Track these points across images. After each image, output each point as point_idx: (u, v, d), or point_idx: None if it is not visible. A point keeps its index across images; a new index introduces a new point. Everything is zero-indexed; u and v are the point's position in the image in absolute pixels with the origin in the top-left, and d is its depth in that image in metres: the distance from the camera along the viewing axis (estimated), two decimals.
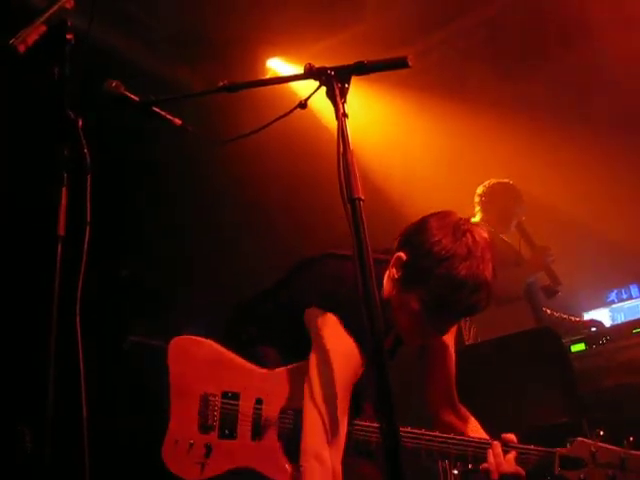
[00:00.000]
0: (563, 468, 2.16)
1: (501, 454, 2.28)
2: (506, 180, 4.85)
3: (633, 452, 2.12)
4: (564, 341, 3.91)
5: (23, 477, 3.40)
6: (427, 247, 2.18)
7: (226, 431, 2.42)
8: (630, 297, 4.78)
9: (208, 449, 2.39)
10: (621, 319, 4.57)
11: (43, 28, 1.77)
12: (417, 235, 2.25)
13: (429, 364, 2.72)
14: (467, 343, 4.52)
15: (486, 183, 4.88)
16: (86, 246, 1.96)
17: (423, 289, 2.19)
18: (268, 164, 5.15)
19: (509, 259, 4.75)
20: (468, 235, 2.20)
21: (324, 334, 2.22)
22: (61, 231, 1.90)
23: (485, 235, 2.22)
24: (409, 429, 2.36)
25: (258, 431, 2.40)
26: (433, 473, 3.71)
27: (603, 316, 4.67)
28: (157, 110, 2.38)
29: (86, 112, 2.05)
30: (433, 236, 2.20)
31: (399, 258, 2.27)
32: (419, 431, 2.37)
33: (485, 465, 2.29)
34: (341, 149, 1.86)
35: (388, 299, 2.32)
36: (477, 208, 4.89)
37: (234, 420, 2.43)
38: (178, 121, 2.44)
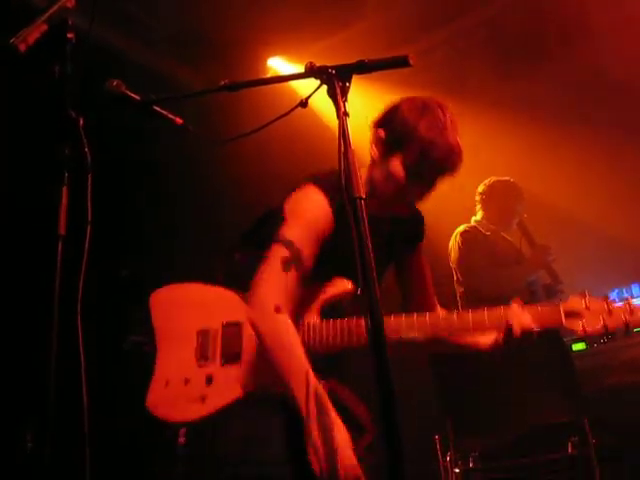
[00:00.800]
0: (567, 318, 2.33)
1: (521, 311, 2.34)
2: (507, 178, 4.85)
3: (613, 302, 2.38)
4: (565, 340, 3.90)
5: (23, 477, 3.40)
6: (403, 122, 2.35)
7: (230, 357, 2.30)
8: (631, 296, 4.76)
9: (209, 379, 2.28)
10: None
11: (44, 27, 1.77)
12: (392, 115, 2.40)
13: (408, 281, 2.72)
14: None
15: (487, 181, 4.89)
16: (87, 245, 1.96)
17: (404, 154, 2.34)
18: (269, 164, 5.14)
19: (510, 257, 4.76)
20: (437, 109, 2.36)
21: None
22: (62, 230, 1.90)
23: (450, 109, 2.39)
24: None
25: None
26: (435, 471, 3.72)
27: None
28: (158, 109, 2.38)
29: (87, 111, 2.05)
30: (407, 111, 2.36)
31: (378, 136, 2.41)
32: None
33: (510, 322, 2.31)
34: (342, 148, 1.86)
35: (372, 176, 2.44)
36: (478, 206, 4.89)
37: (239, 344, 2.31)
38: (179, 120, 2.44)
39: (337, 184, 1.82)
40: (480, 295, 4.56)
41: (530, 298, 4.67)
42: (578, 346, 4.24)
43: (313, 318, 2.33)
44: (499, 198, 4.82)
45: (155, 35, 4.65)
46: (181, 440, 2.26)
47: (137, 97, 2.33)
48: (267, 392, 2.24)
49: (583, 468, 3.34)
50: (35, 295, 2.23)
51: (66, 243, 1.94)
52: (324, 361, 2.28)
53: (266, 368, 2.20)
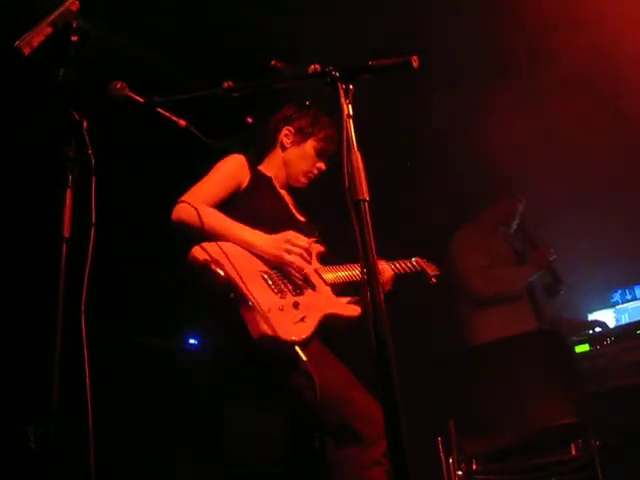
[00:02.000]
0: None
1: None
2: (507, 178, 4.86)
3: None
4: (568, 342, 3.90)
5: (27, 475, 3.40)
6: (310, 119, 3.00)
7: (297, 290, 2.60)
8: (634, 298, 4.75)
9: (295, 305, 2.50)
10: (625, 320, 4.56)
11: (48, 30, 1.78)
12: (295, 114, 3.03)
13: None
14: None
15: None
16: (91, 247, 1.96)
17: (313, 138, 2.99)
18: None
19: (510, 258, 4.75)
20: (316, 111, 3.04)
21: None
22: (66, 232, 1.90)
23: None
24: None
25: (312, 284, 2.67)
26: (437, 474, 3.72)
27: (607, 317, 4.65)
28: (162, 111, 2.39)
29: (91, 114, 2.05)
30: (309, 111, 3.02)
31: (288, 131, 3.03)
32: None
33: None
34: (346, 151, 1.86)
35: (287, 158, 3.02)
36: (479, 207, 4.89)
37: (293, 281, 2.63)
38: (183, 122, 2.44)
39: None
40: (479, 295, 4.56)
41: (531, 298, 4.68)
42: (581, 348, 4.24)
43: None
44: (499, 200, 4.83)
45: (160, 34, 4.63)
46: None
47: (141, 99, 2.34)
48: (333, 319, 2.61)
49: (586, 470, 3.33)
50: (40, 296, 2.23)
51: (71, 244, 1.95)
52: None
53: (323, 298, 2.64)
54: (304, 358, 2.34)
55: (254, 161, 2.94)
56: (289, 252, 2.60)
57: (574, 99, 4.50)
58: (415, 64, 1.94)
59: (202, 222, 2.55)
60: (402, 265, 3.06)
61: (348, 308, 2.69)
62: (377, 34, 4.30)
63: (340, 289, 2.80)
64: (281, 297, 2.50)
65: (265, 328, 2.33)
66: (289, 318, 2.42)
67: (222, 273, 2.41)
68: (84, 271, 1.94)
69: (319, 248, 2.86)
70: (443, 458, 3.65)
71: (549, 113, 4.82)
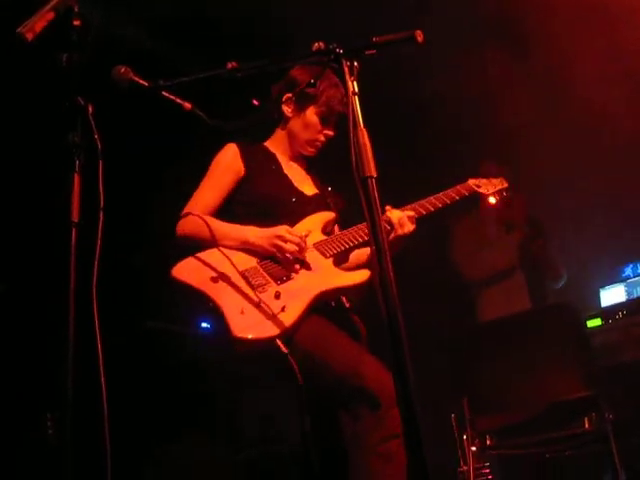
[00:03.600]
0: None
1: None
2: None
3: None
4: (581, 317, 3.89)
5: (46, 463, 3.44)
6: (302, 82, 2.88)
7: (282, 278, 2.55)
8: None
9: (277, 295, 2.46)
10: (637, 293, 4.54)
11: (51, 15, 1.77)
12: (294, 80, 2.91)
13: None
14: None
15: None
16: (100, 232, 1.97)
17: (314, 104, 2.87)
18: None
19: (497, 235, 4.77)
20: (321, 70, 2.84)
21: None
22: (75, 217, 1.91)
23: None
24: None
25: (306, 264, 2.61)
26: (452, 450, 3.74)
27: (619, 292, 4.63)
28: (167, 94, 2.38)
29: (96, 98, 2.05)
30: (301, 74, 2.90)
31: (288, 97, 2.92)
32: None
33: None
34: (352, 128, 1.86)
35: (290, 128, 2.95)
36: None
37: (280, 269, 2.57)
38: (188, 105, 2.44)
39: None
40: (471, 281, 4.66)
41: (527, 270, 4.71)
42: (593, 322, 4.23)
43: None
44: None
45: (162, 18, 4.61)
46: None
47: (145, 83, 2.33)
48: (334, 293, 2.59)
49: (600, 444, 3.34)
50: (51, 283, 2.25)
51: (82, 230, 1.96)
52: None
53: (318, 276, 2.58)
54: (284, 351, 2.32)
55: (248, 145, 2.89)
56: (279, 249, 2.57)
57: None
58: (420, 38, 1.92)
59: (202, 235, 2.60)
60: (433, 202, 2.88)
61: (351, 276, 2.63)
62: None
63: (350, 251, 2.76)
64: (262, 290, 2.47)
65: (235, 333, 2.33)
66: (267, 312, 2.39)
67: (197, 290, 2.45)
68: (94, 256, 1.94)
69: (329, 217, 2.81)
70: (457, 434, 3.67)
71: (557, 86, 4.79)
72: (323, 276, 2.61)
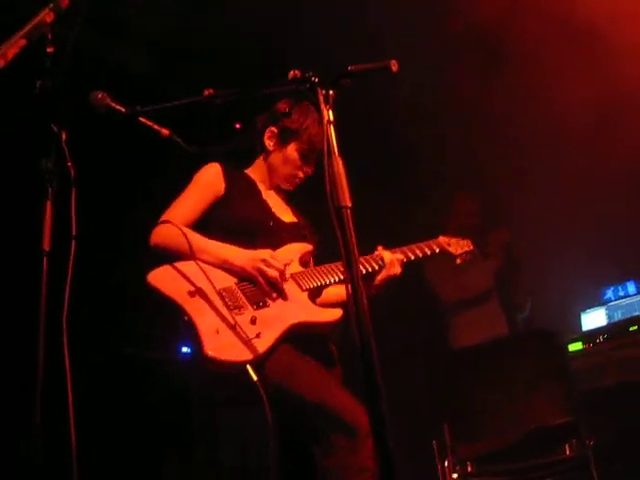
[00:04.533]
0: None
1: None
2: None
3: None
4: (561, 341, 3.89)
5: None
6: (293, 119, 2.89)
7: (259, 303, 2.53)
8: (627, 294, 4.75)
9: (253, 320, 2.44)
10: (618, 317, 4.55)
11: (23, 42, 1.76)
12: (278, 114, 2.92)
13: None
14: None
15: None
16: (72, 260, 1.94)
17: (296, 141, 2.87)
18: None
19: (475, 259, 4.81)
20: (311, 107, 2.86)
21: None
22: (46, 246, 1.88)
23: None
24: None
25: (281, 293, 2.59)
26: (433, 477, 3.70)
27: (600, 315, 4.64)
28: (144, 121, 2.37)
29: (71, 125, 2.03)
30: (294, 112, 2.90)
31: (271, 131, 2.92)
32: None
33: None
34: (327, 157, 1.85)
35: (270, 162, 2.94)
36: None
37: (258, 294, 2.55)
38: (166, 132, 2.43)
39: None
40: (446, 304, 4.70)
41: (501, 295, 4.77)
42: (575, 346, 4.23)
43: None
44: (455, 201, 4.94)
45: (143, 43, 4.61)
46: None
47: (122, 109, 2.32)
48: (306, 327, 2.55)
49: (581, 470, 3.32)
50: (22, 310, 2.21)
51: (52, 258, 1.93)
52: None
53: (292, 308, 2.56)
54: (254, 378, 2.30)
55: (231, 168, 2.88)
56: (262, 273, 2.55)
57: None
58: (394, 68, 1.93)
59: (176, 246, 2.56)
60: (415, 250, 2.98)
61: (325, 313, 2.63)
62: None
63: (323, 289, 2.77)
64: (238, 313, 2.44)
65: (207, 351, 2.30)
66: (242, 336, 2.37)
67: (173, 301, 2.42)
68: (65, 284, 1.91)
69: (306, 248, 2.81)
70: (438, 461, 3.64)
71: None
72: (298, 308, 2.58)
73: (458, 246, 3.21)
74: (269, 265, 2.55)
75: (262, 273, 2.55)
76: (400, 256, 2.87)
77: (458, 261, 3.20)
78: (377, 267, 2.80)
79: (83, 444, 1.95)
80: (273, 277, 2.56)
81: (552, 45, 4.27)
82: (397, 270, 2.82)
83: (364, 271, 2.76)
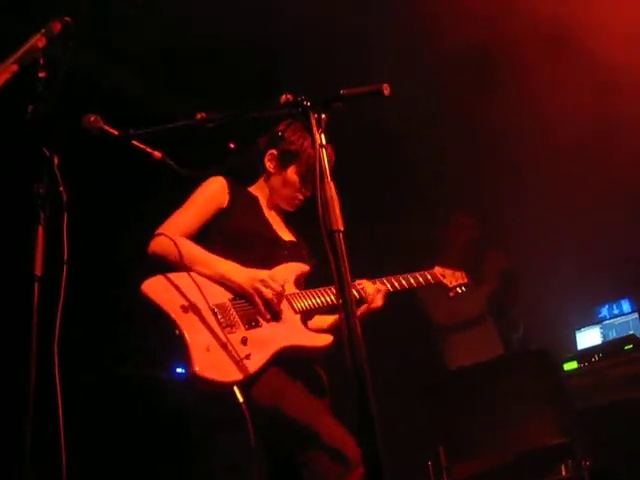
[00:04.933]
0: None
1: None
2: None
3: None
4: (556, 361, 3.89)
5: None
6: (292, 142, 2.88)
7: (252, 323, 2.52)
8: (621, 312, 4.75)
9: (244, 341, 2.43)
10: (612, 335, 4.55)
11: (14, 67, 1.76)
12: (277, 137, 2.91)
13: None
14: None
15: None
16: (64, 285, 1.93)
17: (295, 164, 2.87)
18: None
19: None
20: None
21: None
22: (38, 271, 1.87)
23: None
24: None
25: (275, 315, 2.58)
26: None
27: (594, 334, 4.65)
28: (137, 144, 2.37)
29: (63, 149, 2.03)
30: (292, 134, 2.88)
31: (271, 154, 2.93)
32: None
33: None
34: (319, 180, 1.85)
35: (271, 184, 2.95)
36: None
37: (251, 313, 2.54)
38: (158, 154, 2.43)
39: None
40: (441, 326, 4.70)
41: (496, 317, 4.77)
42: (570, 365, 4.22)
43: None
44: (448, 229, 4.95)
45: (136, 62, 4.62)
46: None
47: (115, 132, 2.33)
48: (296, 351, 2.54)
49: None
50: (13, 336, 2.20)
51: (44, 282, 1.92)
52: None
53: (284, 327, 2.56)
54: (240, 400, 2.29)
55: (235, 183, 2.89)
56: (259, 293, 2.55)
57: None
58: (387, 92, 1.94)
59: (174, 256, 2.54)
60: (401, 281, 2.95)
61: (316, 338, 2.63)
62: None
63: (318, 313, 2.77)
64: (230, 332, 2.43)
65: (196, 369, 2.30)
66: (232, 356, 2.36)
67: (165, 313, 2.41)
68: (57, 309, 1.90)
69: (302, 269, 2.81)
70: None
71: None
72: (290, 331, 2.58)
73: (453, 278, 3.21)
74: (267, 286, 2.55)
75: (259, 293, 2.55)
76: (383, 287, 2.84)
77: (451, 294, 3.20)
78: (357, 296, 2.76)
79: (73, 465, 1.94)
80: (270, 298, 2.55)
81: (544, 56, 4.29)
82: (378, 303, 2.78)
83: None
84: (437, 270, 3.16)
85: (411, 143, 5.01)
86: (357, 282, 2.79)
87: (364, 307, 2.75)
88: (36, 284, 1.87)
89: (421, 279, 3.04)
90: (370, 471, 1.63)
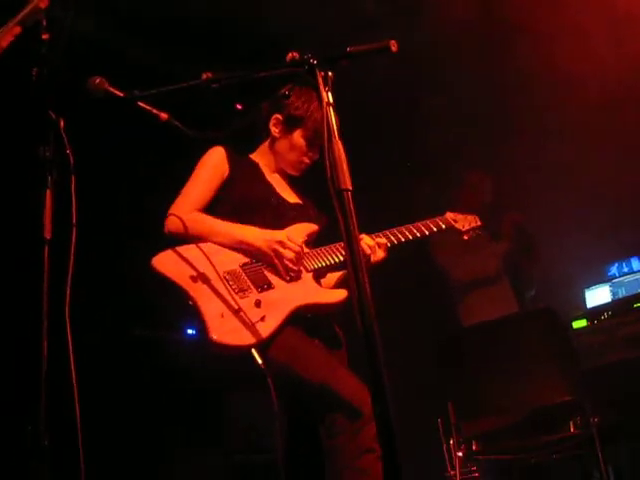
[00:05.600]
0: None
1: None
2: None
3: None
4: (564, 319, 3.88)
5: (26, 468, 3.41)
6: (297, 106, 2.87)
7: (264, 285, 2.54)
8: (631, 270, 4.74)
9: (257, 304, 2.45)
10: (622, 294, 4.54)
11: (17, 29, 1.74)
12: (279, 101, 2.90)
13: None
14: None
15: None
16: (73, 248, 1.93)
17: (302, 128, 2.86)
18: None
19: (481, 239, 4.80)
20: (311, 92, 2.81)
21: None
22: (47, 234, 1.88)
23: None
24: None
25: (296, 274, 2.61)
26: (438, 455, 3.73)
27: (604, 292, 4.64)
28: (142, 105, 2.35)
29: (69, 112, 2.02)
30: (297, 98, 2.88)
31: (277, 118, 2.91)
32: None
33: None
34: (327, 140, 1.83)
35: (276, 149, 2.94)
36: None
37: (263, 275, 2.57)
38: (164, 115, 2.41)
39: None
40: (457, 284, 4.68)
41: (511, 277, 4.76)
42: (579, 323, 4.23)
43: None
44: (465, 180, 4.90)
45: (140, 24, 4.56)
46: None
47: (121, 94, 2.31)
48: (311, 309, 2.56)
49: (586, 447, 3.33)
50: (24, 299, 2.21)
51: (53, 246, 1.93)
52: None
53: (298, 286, 2.57)
54: (259, 362, 2.32)
55: (234, 151, 2.88)
56: (278, 254, 2.56)
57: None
58: (394, 48, 1.90)
59: (190, 232, 2.58)
60: (405, 232, 2.90)
61: (330, 294, 2.65)
62: None
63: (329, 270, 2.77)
64: (242, 296, 2.46)
65: (213, 336, 2.32)
66: (246, 320, 2.38)
67: (177, 285, 2.43)
68: (67, 272, 1.91)
69: (311, 228, 2.80)
70: (443, 439, 3.66)
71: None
72: (303, 289, 2.60)
73: (465, 222, 3.17)
74: (285, 247, 2.57)
75: (278, 254, 2.57)
76: (383, 240, 2.81)
77: (465, 237, 3.15)
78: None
79: (88, 427, 1.97)
80: (289, 258, 2.57)
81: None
82: (380, 255, 2.76)
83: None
84: (448, 215, 3.12)
85: (424, 93, 4.95)
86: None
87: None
88: (46, 247, 1.88)
89: (432, 225, 3.00)
90: (381, 429, 1.65)
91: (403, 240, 2.89)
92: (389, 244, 2.83)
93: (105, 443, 3.53)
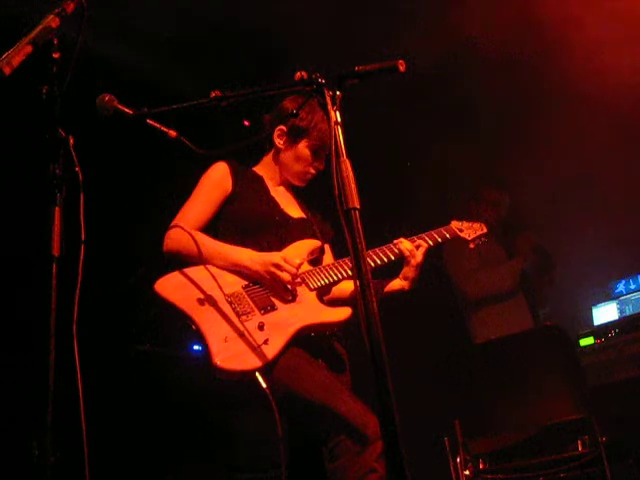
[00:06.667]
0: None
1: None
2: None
3: None
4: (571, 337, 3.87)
5: None
6: (302, 117, 2.85)
7: (267, 307, 2.53)
8: (638, 288, 4.73)
9: (260, 327, 2.44)
10: (629, 311, 4.53)
11: (29, 49, 1.75)
12: (283, 112, 2.89)
13: None
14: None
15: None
16: (81, 265, 1.94)
17: (306, 139, 2.87)
18: None
19: (502, 257, 4.79)
20: (315, 103, 2.73)
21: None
22: (55, 252, 1.88)
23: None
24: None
25: (294, 296, 2.60)
26: (445, 474, 3.70)
27: (611, 309, 4.63)
28: (152, 122, 2.37)
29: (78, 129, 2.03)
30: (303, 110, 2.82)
31: (281, 130, 2.92)
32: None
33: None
34: (335, 158, 1.84)
35: (281, 160, 2.94)
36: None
37: (266, 297, 2.56)
38: (173, 133, 2.42)
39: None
40: (471, 298, 4.66)
41: (526, 293, 4.75)
42: (586, 341, 4.21)
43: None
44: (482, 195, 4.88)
45: (152, 41, 4.59)
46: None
47: (130, 111, 2.32)
48: (315, 328, 2.56)
49: (594, 466, 3.31)
50: (32, 316, 2.22)
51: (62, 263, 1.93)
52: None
53: (300, 307, 2.56)
54: (263, 385, 2.31)
55: (238, 166, 2.88)
56: (275, 277, 2.55)
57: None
58: (402, 68, 1.92)
59: (189, 251, 2.59)
60: (426, 238, 2.91)
61: (333, 313, 2.63)
62: None
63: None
64: (246, 319, 2.45)
65: (216, 361, 2.32)
66: (250, 343, 2.37)
67: (180, 310, 2.43)
68: (75, 289, 1.92)
69: (315, 244, 2.79)
70: (450, 458, 3.63)
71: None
72: (306, 309, 2.58)
73: (471, 230, 3.14)
74: (282, 269, 2.55)
75: (275, 277, 2.55)
76: (423, 244, 2.84)
77: (471, 245, 3.13)
78: (393, 257, 2.77)
79: (94, 442, 1.96)
80: (286, 281, 2.56)
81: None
82: (419, 258, 2.79)
83: (379, 262, 2.74)
84: (454, 224, 3.10)
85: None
86: (394, 241, 2.81)
87: (412, 263, 2.77)
88: (54, 265, 1.88)
89: (437, 236, 2.97)
90: (388, 447, 1.64)
91: (434, 244, 2.92)
92: (429, 246, 2.87)
93: (111, 458, 3.52)
